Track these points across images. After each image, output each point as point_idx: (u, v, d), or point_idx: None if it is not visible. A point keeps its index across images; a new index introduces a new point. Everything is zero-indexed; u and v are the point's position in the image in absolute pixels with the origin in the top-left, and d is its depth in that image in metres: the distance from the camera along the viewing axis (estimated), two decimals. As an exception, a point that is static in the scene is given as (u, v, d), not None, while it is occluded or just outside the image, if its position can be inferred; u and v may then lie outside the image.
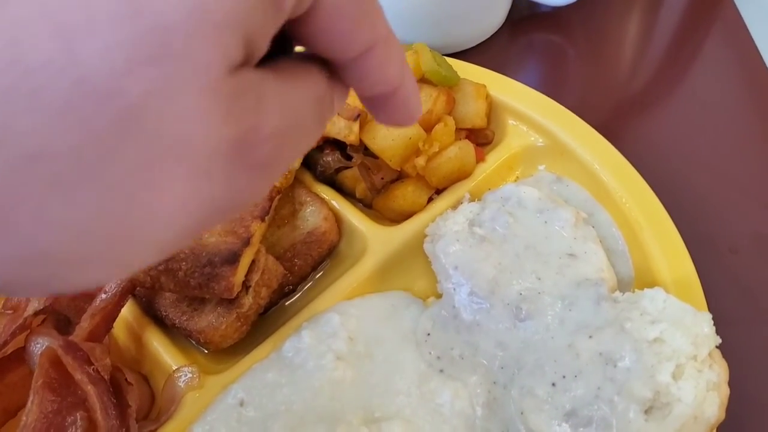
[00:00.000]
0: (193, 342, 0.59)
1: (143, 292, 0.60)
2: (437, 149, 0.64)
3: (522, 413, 0.50)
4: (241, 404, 0.53)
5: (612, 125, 0.75)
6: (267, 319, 0.61)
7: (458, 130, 0.67)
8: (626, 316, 0.50)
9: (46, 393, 0.50)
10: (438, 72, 0.66)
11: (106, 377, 0.52)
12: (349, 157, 0.66)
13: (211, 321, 0.56)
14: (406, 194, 0.65)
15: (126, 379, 0.54)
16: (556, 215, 0.59)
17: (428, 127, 0.64)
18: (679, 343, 0.48)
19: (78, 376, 0.51)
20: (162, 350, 0.57)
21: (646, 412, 0.46)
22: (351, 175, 0.67)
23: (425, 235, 0.62)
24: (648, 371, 0.47)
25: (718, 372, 0.47)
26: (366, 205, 0.69)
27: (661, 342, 0.48)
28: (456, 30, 0.86)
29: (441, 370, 0.55)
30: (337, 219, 0.66)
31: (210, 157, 0.20)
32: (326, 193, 0.67)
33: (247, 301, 0.56)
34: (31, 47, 0.17)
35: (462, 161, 0.65)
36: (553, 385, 0.49)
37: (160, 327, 0.59)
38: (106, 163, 0.18)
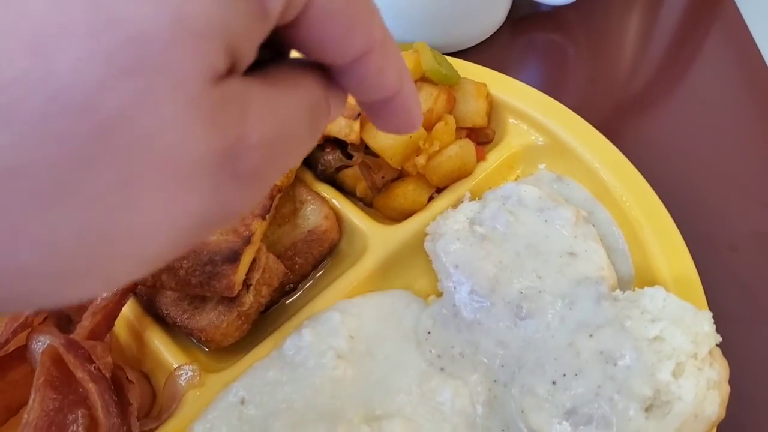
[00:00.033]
0: (194, 340, 0.59)
1: (144, 290, 0.60)
2: (438, 148, 0.64)
3: (522, 411, 0.50)
4: (242, 402, 0.53)
5: (612, 124, 0.75)
6: (268, 317, 0.61)
7: (459, 129, 0.67)
8: (626, 315, 0.50)
9: (47, 391, 0.50)
10: (438, 71, 0.66)
11: (107, 375, 0.53)
12: (349, 156, 0.66)
13: (212, 319, 0.56)
14: (406, 193, 0.65)
15: (127, 378, 0.54)
16: (556, 214, 0.59)
17: (429, 126, 0.64)
18: (680, 341, 0.48)
19: (79, 374, 0.51)
20: (163, 348, 0.57)
21: (647, 410, 0.46)
22: (352, 174, 0.67)
23: (426, 234, 0.62)
24: (648, 369, 0.47)
25: (718, 370, 0.47)
26: (367, 204, 0.69)
27: (662, 340, 0.48)
28: (456, 29, 0.86)
29: (441, 369, 0.55)
30: (338, 218, 0.66)
31: (194, 169, 0.20)
32: (327, 191, 0.67)
33: (248, 299, 0.56)
34: (4, 61, 0.17)
35: (462, 160, 0.65)
36: (554, 383, 0.50)
37: (161, 325, 0.59)
38: (83, 178, 0.18)
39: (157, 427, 0.53)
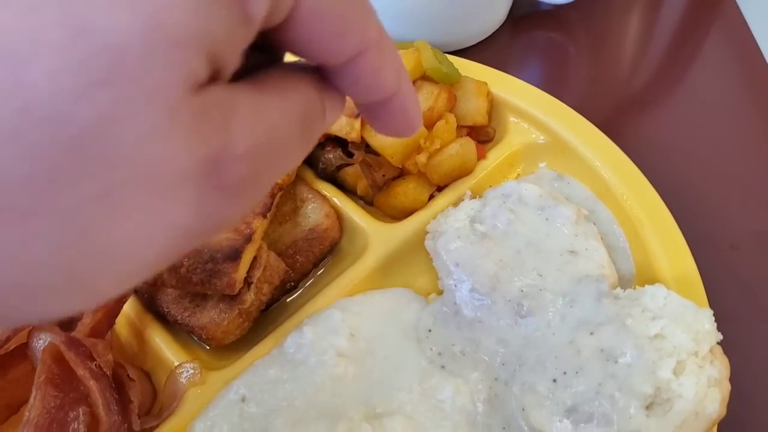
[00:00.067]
0: (195, 338, 0.59)
1: (145, 288, 0.60)
2: (438, 146, 0.64)
3: (523, 409, 0.50)
4: (243, 400, 0.53)
5: (613, 123, 0.75)
6: (268, 315, 0.61)
7: (459, 127, 0.67)
8: (627, 313, 0.50)
9: (48, 389, 0.50)
10: (439, 69, 0.66)
11: (108, 373, 0.53)
12: (350, 154, 0.66)
13: (213, 317, 0.56)
14: (407, 191, 0.65)
15: (128, 375, 0.54)
16: (557, 212, 0.59)
17: (429, 124, 0.64)
18: (680, 339, 0.48)
19: (80, 371, 0.51)
20: (164, 346, 0.57)
21: (647, 408, 0.46)
22: (352, 172, 0.67)
23: (426, 232, 0.63)
24: (649, 367, 0.47)
25: (719, 368, 0.47)
26: (367, 203, 0.69)
27: (662, 338, 0.48)
28: (457, 28, 0.86)
29: (442, 367, 0.55)
30: (339, 216, 0.66)
31: (175, 181, 0.19)
32: (328, 190, 0.67)
33: (249, 297, 0.56)
34: None
35: (463, 158, 0.65)
36: (554, 381, 0.50)
37: (162, 323, 0.59)
38: (60, 192, 0.17)
39: (158, 425, 0.53)
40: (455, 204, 0.64)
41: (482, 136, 0.71)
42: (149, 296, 0.60)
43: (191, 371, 0.55)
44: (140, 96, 0.18)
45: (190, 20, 0.19)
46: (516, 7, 0.91)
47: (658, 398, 0.46)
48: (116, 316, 0.56)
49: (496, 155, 0.69)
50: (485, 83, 0.69)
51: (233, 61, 0.21)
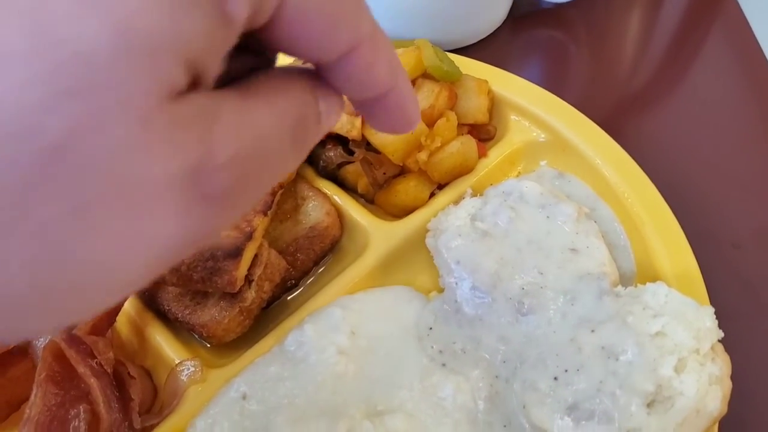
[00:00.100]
0: (196, 336, 0.59)
1: (146, 286, 0.60)
2: (439, 144, 0.64)
3: (524, 407, 0.50)
4: (244, 398, 0.53)
5: (613, 121, 0.75)
6: (269, 313, 0.61)
7: (460, 125, 0.67)
8: (628, 310, 0.50)
9: (49, 386, 0.50)
10: (440, 67, 0.66)
11: (109, 371, 0.53)
12: (351, 152, 0.66)
13: (213, 315, 0.56)
14: (408, 189, 0.65)
15: (129, 373, 0.54)
16: (558, 210, 0.59)
17: (430, 122, 0.64)
18: (681, 336, 0.48)
19: (81, 369, 0.51)
20: (164, 344, 0.57)
21: (649, 405, 0.46)
22: (353, 170, 0.67)
23: (427, 230, 0.63)
24: (650, 365, 0.47)
25: (720, 366, 0.47)
26: (368, 201, 0.69)
27: (663, 336, 0.48)
28: (458, 26, 0.86)
29: (443, 364, 0.55)
30: (339, 214, 0.66)
31: (153, 193, 0.19)
32: (328, 188, 0.67)
33: (250, 295, 0.56)
34: None
35: (464, 156, 0.65)
36: (555, 378, 0.50)
37: (163, 321, 0.59)
38: (32, 207, 0.17)
39: (158, 423, 0.53)
40: (456, 202, 0.64)
41: (483, 134, 0.71)
42: (150, 294, 0.60)
43: (192, 369, 0.55)
44: (112, 106, 0.17)
45: (164, 25, 0.18)
46: (517, 5, 0.91)
47: (659, 396, 0.46)
48: (117, 313, 0.56)
49: (496, 153, 0.69)
50: (486, 81, 0.69)
51: (214, 66, 0.21)
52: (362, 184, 0.67)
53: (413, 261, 0.63)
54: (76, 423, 0.50)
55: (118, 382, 0.54)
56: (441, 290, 0.59)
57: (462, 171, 0.66)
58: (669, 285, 0.52)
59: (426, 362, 0.55)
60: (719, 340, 0.49)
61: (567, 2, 0.89)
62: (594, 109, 0.70)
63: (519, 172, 0.70)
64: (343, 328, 0.56)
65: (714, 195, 0.72)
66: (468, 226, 0.59)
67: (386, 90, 0.26)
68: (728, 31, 0.91)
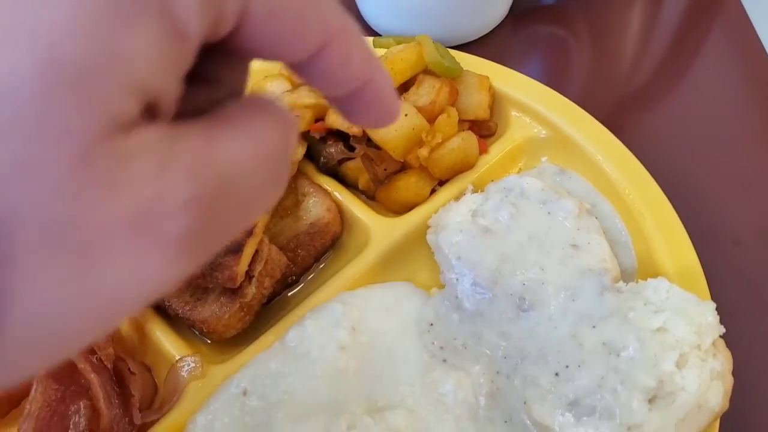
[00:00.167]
0: (196, 332, 0.59)
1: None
2: (440, 140, 0.64)
3: (525, 403, 0.50)
4: (244, 394, 0.53)
5: (614, 118, 0.75)
6: (270, 309, 0.61)
7: (461, 121, 0.67)
8: (629, 306, 0.50)
9: (49, 382, 0.50)
10: (441, 63, 0.66)
11: (109, 366, 0.53)
12: (352, 149, 0.66)
13: (214, 311, 0.56)
14: (409, 185, 0.65)
15: (129, 369, 0.54)
16: (559, 206, 0.58)
17: (431, 118, 0.64)
18: (683, 332, 0.48)
19: (81, 365, 0.51)
20: (165, 340, 0.57)
21: (650, 401, 0.46)
22: (354, 167, 0.67)
23: (428, 226, 0.62)
24: (651, 360, 0.47)
25: (722, 361, 0.47)
26: (369, 197, 0.69)
27: (665, 331, 0.48)
28: (459, 22, 0.85)
29: (444, 360, 0.55)
30: (340, 210, 0.66)
31: (95, 241, 0.17)
32: (329, 184, 0.67)
33: (251, 291, 0.56)
34: None
35: (465, 152, 0.65)
36: (557, 374, 0.49)
37: (163, 317, 0.59)
38: None
39: (158, 419, 0.53)
40: (457, 198, 0.64)
41: (484, 130, 0.71)
42: (150, 290, 0.60)
43: (192, 365, 0.55)
44: (42, 146, 0.16)
45: (99, 48, 0.16)
46: (517, 2, 0.91)
47: (660, 391, 0.46)
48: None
49: (497, 149, 0.69)
50: (487, 77, 0.69)
51: (171, 89, 0.19)
52: (363, 180, 0.67)
53: (414, 257, 0.63)
54: (77, 418, 0.50)
55: (118, 377, 0.53)
56: (442, 286, 0.59)
57: (463, 167, 0.66)
58: (670, 281, 0.52)
59: (427, 358, 0.55)
60: (720, 336, 0.49)
61: (568, -1, 0.89)
62: (595, 106, 0.70)
63: (520, 169, 0.70)
64: (344, 324, 0.56)
65: (715, 192, 0.72)
66: (469, 222, 0.59)
67: (363, 83, 0.25)
68: (730, 27, 0.91)
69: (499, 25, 0.90)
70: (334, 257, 0.66)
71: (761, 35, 0.87)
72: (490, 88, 0.70)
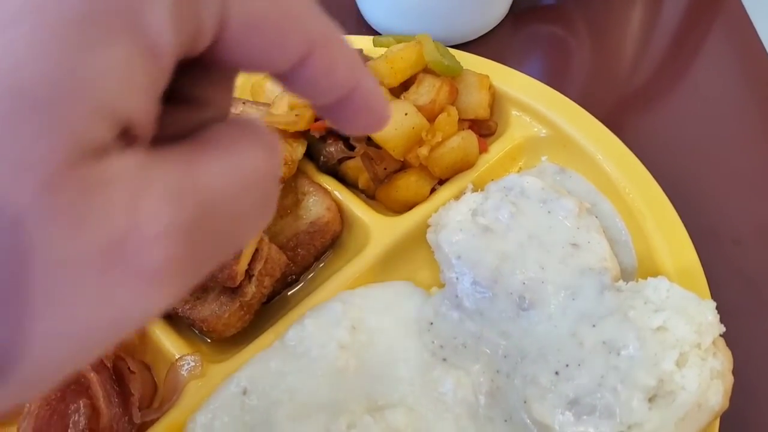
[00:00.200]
0: (196, 331, 0.59)
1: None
2: (440, 139, 0.64)
3: (525, 402, 0.50)
4: (244, 393, 0.53)
5: (614, 117, 0.75)
6: (270, 308, 0.61)
7: (461, 120, 0.67)
8: (630, 305, 0.50)
9: (49, 380, 0.50)
10: (441, 62, 0.66)
11: (108, 365, 0.53)
12: (351, 147, 0.66)
13: (214, 310, 0.56)
14: (409, 184, 0.65)
15: (129, 368, 0.54)
16: (559, 205, 0.58)
17: (431, 117, 0.64)
18: (683, 331, 0.47)
19: (81, 363, 0.51)
20: (164, 339, 0.57)
21: (650, 400, 0.46)
22: (354, 166, 0.67)
23: (428, 225, 0.62)
24: (652, 359, 0.47)
25: (722, 360, 0.47)
26: (369, 196, 0.69)
27: (665, 330, 0.48)
28: (459, 22, 0.85)
29: (444, 359, 0.55)
30: (340, 209, 0.66)
31: (65, 274, 0.16)
32: (329, 183, 0.67)
33: (250, 290, 0.56)
34: None
35: (465, 151, 0.65)
36: (557, 373, 0.49)
37: (163, 316, 0.59)
38: None
39: (158, 418, 0.53)
40: (457, 197, 0.64)
41: (484, 129, 0.71)
42: (150, 289, 0.60)
43: (192, 364, 0.55)
44: (2, 175, 0.15)
45: (63, 70, 0.15)
46: (517, 1, 0.91)
47: (660, 390, 0.46)
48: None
49: (497, 149, 0.69)
50: (487, 76, 0.69)
51: (145, 110, 0.18)
52: (363, 180, 0.67)
53: (414, 256, 0.63)
54: (76, 417, 0.50)
55: (118, 376, 0.53)
56: (442, 285, 0.59)
57: (463, 166, 0.66)
58: (670, 280, 0.52)
59: (427, 357, 0.55)
60: (721, 335, 0.49)
61: (568, -2, 0.89)
62: (595, 105, 0.70)
63: (520, 168, 0.70)
64: (344, 323, 0.56)
65: (715, 191, 0.72)
66: (469, 222, 0.59)
67: (349, 90, 0.24)
68: (730, 27, 0.91)
69: (499, 24, 0.90)
70: (333, 256, 0.66)
71: (761, 35, 0.87)
72: (490, 87, 0.70)
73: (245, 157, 0.21)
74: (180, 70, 0.20)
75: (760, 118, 0.80)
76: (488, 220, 0.58)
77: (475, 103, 0.68)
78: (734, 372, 0.48)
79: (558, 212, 0.58)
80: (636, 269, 0.60)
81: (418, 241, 0.63)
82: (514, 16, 0.91)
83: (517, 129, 0.70)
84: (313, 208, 0.64)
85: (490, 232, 0.57)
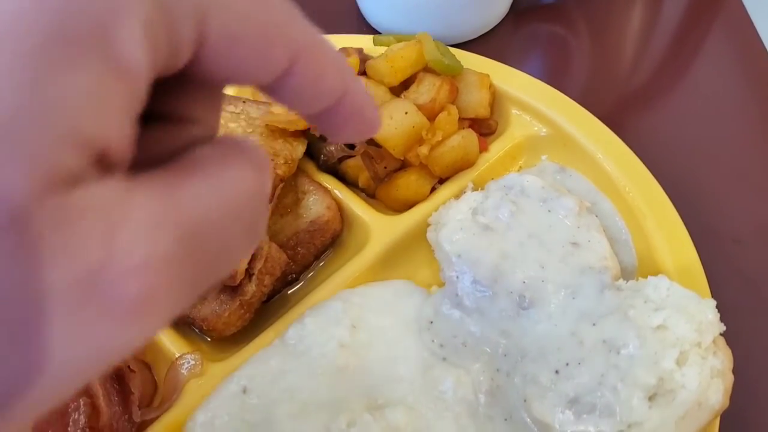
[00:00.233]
0: (196, 330, 0.59)
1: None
2: (440, 138, 0.64)
3: (525, 400, 0.50)
4: (244, 391, 0.53)
5: (615, 116, 0.75)
6: (270, 307, 0.61)
7: (461, 119, 0.67)
8: (630, 304, 0.50)
9: (49, 379, 0.50)
10: (441, 61, 0.66)
11: (108, 364, 0.52)
12: (352, 146, 0.66)
13: (214, 308, 0.56)
14: (409, 183, 0.65)
15: (129, 367, 0.54)
16: (559, 204, 0.58)
17: (431, 116, 0.64)
18: (683, 329, 0.47)
19: (81, 362, 0.51)
20: (164, 338, 0.57)
21: (650, 398, 0.46)
22: (354, 165, 0.67)
23: (428, 224, 0.62)
24: (652, 358, 0.47)
25: (722, 359, 0.47)
26: (369, 195, 0.69)
27: (665, 329, 0.48)
28: (459, 21, 0.85)
29: (444, 358, 0.55)
30: (340, 208, 0.66)
31: (34, 310, 0.15)
32: (329, 182, 0.67)
33: (251, 288, 0.56)
34: None
35: (465, 150, 0.65)
36: (557, 372, 0.49)
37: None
38: None
39: (158, 416, 0.53)
40: (457, 196, 0.64)
41: (484, 128, 0.71)
42: (150, 288, 0.59)
43: (192, 362, 0.55)
44: None
45: (26, 99, 0.15)
46: (518, 0, 0.91)
47: (661, 389, 0.46)
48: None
49: (498, 147, 0.69)
50: (487, 75, 0.69)
51: (120, 134, 0.17)
52: (363, 178, 0.67)
53: (414, 255, 0.63)
54: (76, 416, 0.50)
55: (117, 375, 0.53)
56: (442, 284, 0.59)
57: (463, 165, 0.66)
58: (670, 279, 0.52)
59: (427, 356, 0.55)
60: (721, 334, 0.49)
61: (568, -3, 0.89)
62: (595, 104, 0.70)
63: (520, 167, 0.70)
64: (344, 321, 0.56)
65: (715, 190, 0.71)
66: (469, 220, 0.59)
67: (337, 98, 0.24)
68: (730, 26, 0.91)
69: (499, 23, 0.90)
70: (334, 255, 0.66)
71: (762, 34, 0.87)
72: (491, 86, 0.70)
73: (231, 179, 0.20)
74: (161, 88, 0.19)
75: (761, 117, 0.80)
76: (488, 218, 0.58)
77: (476, 102, 0.68)
78: (734, 371, 0.48)
79: (558, 211, 0.58)
80: (636, 268, 0.60)
81: (418, 239, 0.63)
82: (514, 15, 0.91)
83: (518, 128, 0.70)
84: (314, 207, 0.64)
85: (491, 230, 0.57)
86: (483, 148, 0.68)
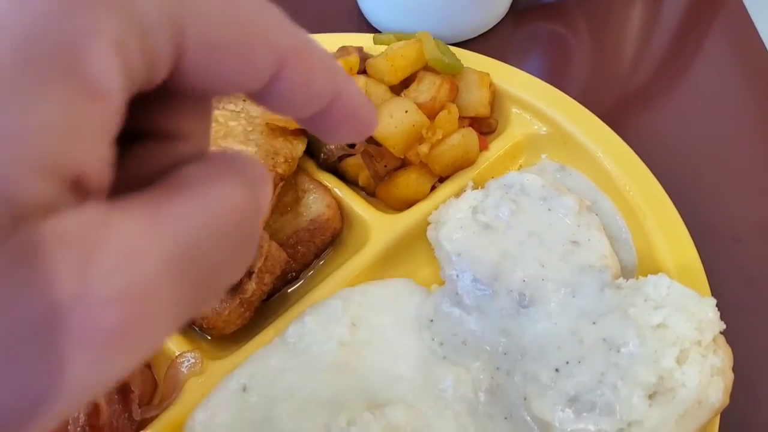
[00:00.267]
0: (196, 328, 0.59)
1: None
2: (440, 137, 0.64)
3: (525, 399, 0.50)
4: (244, 390, 0.53)
5: (615, 115, 0.75)
6: (270, 305, 0.61)
7: (461, 118, 0.67)
8: (630, 302, 0.50)
9: (49, 377, 0.50)
10: (441, 60, 0.66)
11: (109, 362, 0.52)
12: (352, 145, 0.66)
13: (214, 307, 0.56)
14: (409, 182, 0.65)
15: (129, 365, 0.54)
16: (559, 202, 0.58)
17: (431, 115, 0.64)
18: (683, 328, 0.47)
19: (81, 360, 0.51)
20: (165, 336, 0.57)
21: (650, 397, 0.46)
22: (354, 163, 0.67)
23: (428, 223, 0.62)
24: (652, 356, 0.47)
25: (722, 357, 0.47)
26: (369, 193, 0.69)
27: (665, 327, 0.48)
28: (459, 19, 0.85)
29: (444, 357, 0.55)
30: (340, 207, 0.66)
31: (9, 344, 0.14)
32: (329, 180, 0.67)
33: (251, 287, 0.56)
34: None
35: (465, 149, 0.65)
36: (557, 370, 0.49)
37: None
38: None
39: (158, 415, 0.53)
40: (457, 195, 0.64)
41: (484, 127, 0.71)
42: (150, 286, 0.59)
43: (192, 361, 0.55)
44: None
45: None
46: (518, -1, 0.91)
47: (661, 387, 0.46)
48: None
49: (498, 146, 0.69)
50: (487, 74, 0.69)
51: (95, 158, 0.16)
52: (363, 177, 0.67)
53: (414, 253, 0.63)
54: (76, 414, 0.50)
55: (118, 373, 0.53)
56: (442, 283, 0.59)
57: (463, 164, 0.66)
58: (671, 277, 0.52)
59: (427, 354, 0.55)
60: (721, 332, 0.49)
61: (568, -4, 0.89)
62: (595, 103, 0.70)
63: (520, 166, 0.70)
64: (344, 320, 0.56)
65: (715, 189, 0.72)
66: (469, 219, 0.59)
67: (330, 99, 0.23)
68: (730, 25, 0.91)
69: (499, 22, 0.90)
70: (334, 254, 0.66)
71: (762, 33, 0.87)
72: (491, 85, 0.70)
73: (217, 197, 0.19)
74: (143, 104, 0.19)
75: (760, 116, 0.80)
76: (488, 217, 0.58)
77: (476, 100, 0.68)
78: (734, 369, 0.48)
79: (558, 210, 0.58)
80: (636, 267, 0.60)
81: (418, 238, 0.63)
82: (514, 13, 0.91)
83: (518, 127, 0.70)
84: (314, 206, 0.64)
85: (491, 229, 0.57)
86: (483, 147, 0.68)
